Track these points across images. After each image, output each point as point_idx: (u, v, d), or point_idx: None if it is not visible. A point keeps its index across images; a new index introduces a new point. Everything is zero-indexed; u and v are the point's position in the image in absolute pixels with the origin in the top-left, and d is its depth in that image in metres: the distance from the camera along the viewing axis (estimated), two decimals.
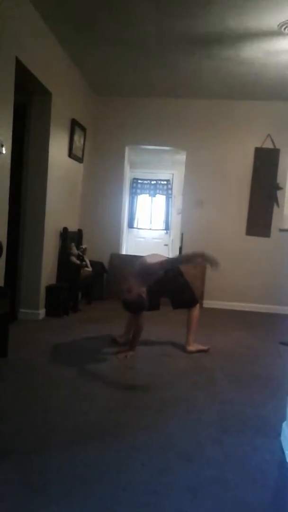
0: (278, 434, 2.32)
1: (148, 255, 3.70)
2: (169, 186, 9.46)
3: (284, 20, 3.58)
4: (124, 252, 6.83)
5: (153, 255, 3.73)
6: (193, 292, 3.97)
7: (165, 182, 9.51)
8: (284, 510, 1.77)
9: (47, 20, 3.95)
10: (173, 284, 3.79)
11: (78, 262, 5.02)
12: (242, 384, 3.11)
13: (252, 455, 2.12)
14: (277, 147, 5.84)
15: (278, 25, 3.68)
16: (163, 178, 9.51)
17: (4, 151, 3.40)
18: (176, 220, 8.56)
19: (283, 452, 2.15)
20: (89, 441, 2.14)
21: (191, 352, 3.75)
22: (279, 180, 5.86)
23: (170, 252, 8.51)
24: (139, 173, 9.40)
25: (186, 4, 3.48)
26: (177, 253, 4.90)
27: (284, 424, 2.30)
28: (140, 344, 3.91)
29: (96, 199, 6.12)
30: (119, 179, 6.23)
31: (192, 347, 3.80)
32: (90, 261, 5.35)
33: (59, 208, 4.91)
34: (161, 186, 9.52)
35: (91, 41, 4.33)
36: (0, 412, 2.40)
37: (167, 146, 6.30)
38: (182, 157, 6.35)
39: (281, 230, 5.92)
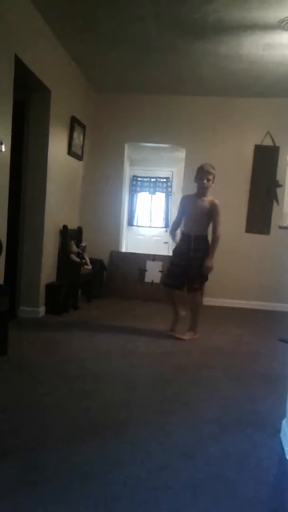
0: (278, 431, 2.32)
1: None
2: (169, 183, 9.46)
3: (284, 16, 3.58)
4: (124, 249, 6.83)
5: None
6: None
7: (164, 180, 9.50)
8: (284, 506, 1.77)
9: (47, 18, 3.94)
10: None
11: (78, 259, 5.02)
12: (242, 381, 3.11)
13: (251, 452, 2.13)
14: (277, 144, 5.83)
15: (278, 22, 3.67)
16: (162, 175, 9.51)
17: (3, 149, 3.40)
18: None
19: (282, 449, 2.16)
20: (88, 438, 2.15)
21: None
22: (278, 177, 5.86)
23: (169, 250, 8.50)
24: (139, 171, 9.40)
25: (186, 1, 3.46)
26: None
27: (283, 421, 2.30)
28: (138, 342, 3.93)
29: (95, 197, 6.11)
30: (118, 176, 6.22)
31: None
32: (90, 258, 5.35)
33: (59, 205, 4.91)
34: (160, 183, 9.52)
35: (91, 38, 4.32)
36: None
37: (166, 143, 6.29)
38: (181, 154, 6.34)
39: (281, 227, 5.92)
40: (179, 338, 4.05)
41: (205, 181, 3.94)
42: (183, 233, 4.10)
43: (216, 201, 4.05)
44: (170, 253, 4.52)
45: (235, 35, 3.99)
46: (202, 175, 3.98)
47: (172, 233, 4.21)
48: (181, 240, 4.09)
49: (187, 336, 4.07)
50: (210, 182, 3.98)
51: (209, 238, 4.11)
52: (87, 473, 1.85)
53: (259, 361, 3.62)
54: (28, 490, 1.71)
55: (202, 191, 4.01)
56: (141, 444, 2.12)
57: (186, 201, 4.13)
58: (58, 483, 1.77)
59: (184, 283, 4.05)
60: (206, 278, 4.07)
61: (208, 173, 3.95)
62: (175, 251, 4.14)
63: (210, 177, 3.96)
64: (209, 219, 4.03)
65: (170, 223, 9.14)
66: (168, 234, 4.21)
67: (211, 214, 4.00)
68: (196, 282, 4.03)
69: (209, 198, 4.04)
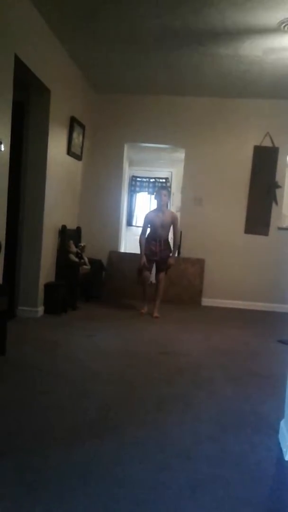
0: (276, 431, 2.32)
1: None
2: (168, 184, 9.46)
3: (283, 18, 3.58)
4: (122, 250, 6.83)
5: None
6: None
7: (164, 180, 9.50)
8: (282, 507, 1.78)
9: (46, 17, 3.94)
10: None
11: (76, 259, 5.02)
12: (240, 381, 3.12)
13: (250, 453, 2.13)
14: (276, 145, 5.84)
15: (277, 23, 3.67)
16: (162, 176, 9.51)
17: (3, 149, 3.40)
18: None
19: (280, 450, 2.16)
20: (87, 438, 2.15)
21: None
22: (277, 178, 5.87)
23: None
24: (138, 171, 9.40)
25: (186, 1, 3.47)
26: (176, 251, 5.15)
27: (282, 422, 2.31)
28: (137, 342, 3.93)
29: (95, 197, 6.11)
30: (118, 176, 6.22)
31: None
32: (88, 258, 5.35)
33: (58, 205, 4.91)
34: (160, 184, 9.52)
35: (90, 38, 4.32)
36: None
37: (166, 144, 6.29)
38: (181, 155, 6.34)
39: (280, 228, 5.92)
40: (156, 317, 4.92)
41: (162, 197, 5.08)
42: (154, 239, 5.07)
43: (175, 213, 5.30)
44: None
45: (235, 36, 3.99)
46: (160, 193, 5.11)
47: (143, 241, 5.11)
48: (152, 244, 5.06)
49: (157, 314, 4.97)
50: (166, 197, 5.13)
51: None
52: (86, 473, 1.85)
53: (258, 362, 3.62)
54: (27, 490, 1.71)
55: (161, 207, 5.11)
56: (140, 444, 2.12)
57: (152, 216, 5.12)
58: (57, 483, 1.77)
59: (151, 268, 5.16)
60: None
61: (164, 194, 5.11)
62: (147, 251, 5.06)
63: (165, 193, 5.14)
64: (169, 227, 5.11)
65: None
66: (139, 240, 5.16)
67: (173, 223, 5.10)
68: (162, 269, 5.12)
69: (168, 211, 5.22)
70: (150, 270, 5.13)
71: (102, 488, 1.75)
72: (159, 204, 5.09)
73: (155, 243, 5.07)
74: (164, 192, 5.12)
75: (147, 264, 5.03)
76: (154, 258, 5.08)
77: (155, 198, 5.19)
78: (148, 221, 5.13)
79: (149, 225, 5.12)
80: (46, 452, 1.99)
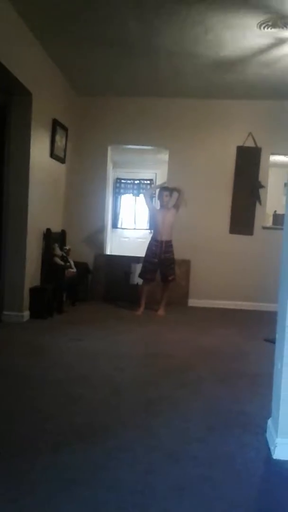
0: (264, 431, 2.33)
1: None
2: (153, 185, 9.47)
3: (263, 19, 3.61)
4: (108, 252, 6.81)
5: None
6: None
7: (148, 182, 9.51)
8: (270, 507, 1.78)
9: (27, 20, 3.90)
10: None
11: (62, 263, 4.98)
12: (228, 381, 3.12)
13: (238, 453, 2.13)
14: (259, 145, 5.88)
15: (257, 24, 3.70)
16: (146, 177, 9.51)
17: None
18: None
19: (268, 449, 2.17)
20: (75, 443, 2.13)
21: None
22: (261, 178, 5.91)
23: None
24: (122, 173, 9.40)
25: (167, 3, 3.47)
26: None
27: (269, 421, 2.32)
28: (124, 345, 3.92)
29: (79, 200, 6.08)
30: (102, 179, 6.20)
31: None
32: (74, 262, 5.32)
33: (42, 209, 4.87)
34: (144, 185, 9.52)
35: (72, 41, 4.30)
36: None
37: (149, 145, 6.30)
38: (165, 156, 6.35)
39: (264, 228, 5.97)
40: (159, 315, 5.18)
41: (164, 197, 5.21)
42: (156, 240, 5.20)
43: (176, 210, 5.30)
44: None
45: (217, 37, 4.01)
46: (161, 194, 5.24)
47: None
48: (153, 244, 5.20)
49: (162, 312, 5.24)
50: (167, 198, 5.19)
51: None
52: (73, 478, 1.83)
53: (245, 361, 3.64)
54: (13, 495, 1.69)
55: (164, 205, 5.25)
56: (127, 447, 2.11)
57: (157, 210, 5.35)
58: (45, 488, 1.75)
59: (155, 277, 5.23)
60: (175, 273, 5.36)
61: (166, 195, 5.21)
62: (148, 252, 5.22)
63: (167, 193, 5.21)
64: (171, 225, 5.20)
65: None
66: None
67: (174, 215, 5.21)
68: (169, 275, 5.25)
69: (171, 209, 5.24)
70: (152, 278, 5.20)
71: (90, 492, 1.73)
72: (161, 204, 5.30)
73: (157, 243, 5.18)
74: (166, 193, 5.24)
75: (146, 270, 5.17)
76: (154, 260, 5.16)
77: (158, 199, 5.38)
78: (155, 212, 5.38)
79: (154, 214, 5.36)
80: (33, 457, 1.97)
